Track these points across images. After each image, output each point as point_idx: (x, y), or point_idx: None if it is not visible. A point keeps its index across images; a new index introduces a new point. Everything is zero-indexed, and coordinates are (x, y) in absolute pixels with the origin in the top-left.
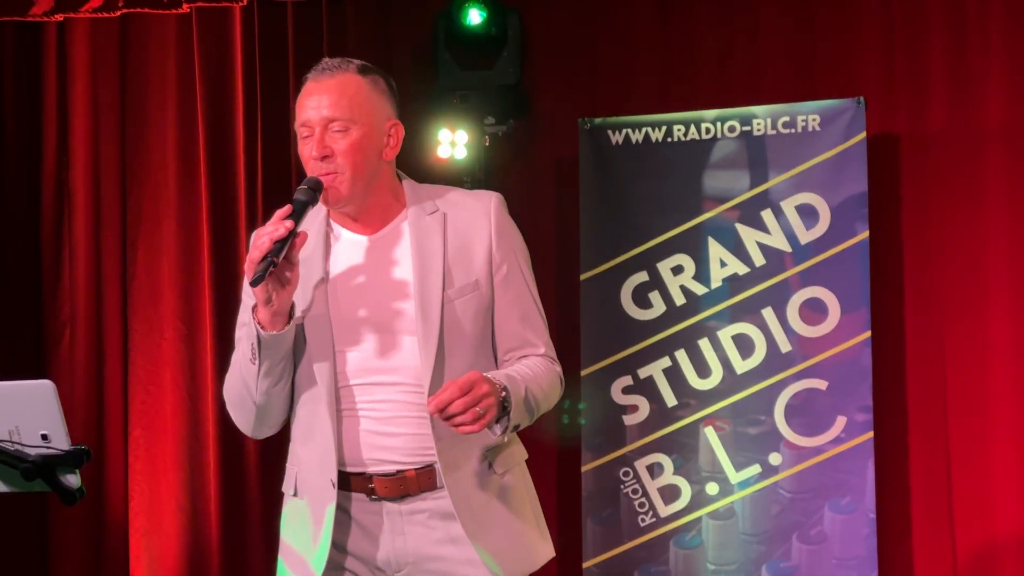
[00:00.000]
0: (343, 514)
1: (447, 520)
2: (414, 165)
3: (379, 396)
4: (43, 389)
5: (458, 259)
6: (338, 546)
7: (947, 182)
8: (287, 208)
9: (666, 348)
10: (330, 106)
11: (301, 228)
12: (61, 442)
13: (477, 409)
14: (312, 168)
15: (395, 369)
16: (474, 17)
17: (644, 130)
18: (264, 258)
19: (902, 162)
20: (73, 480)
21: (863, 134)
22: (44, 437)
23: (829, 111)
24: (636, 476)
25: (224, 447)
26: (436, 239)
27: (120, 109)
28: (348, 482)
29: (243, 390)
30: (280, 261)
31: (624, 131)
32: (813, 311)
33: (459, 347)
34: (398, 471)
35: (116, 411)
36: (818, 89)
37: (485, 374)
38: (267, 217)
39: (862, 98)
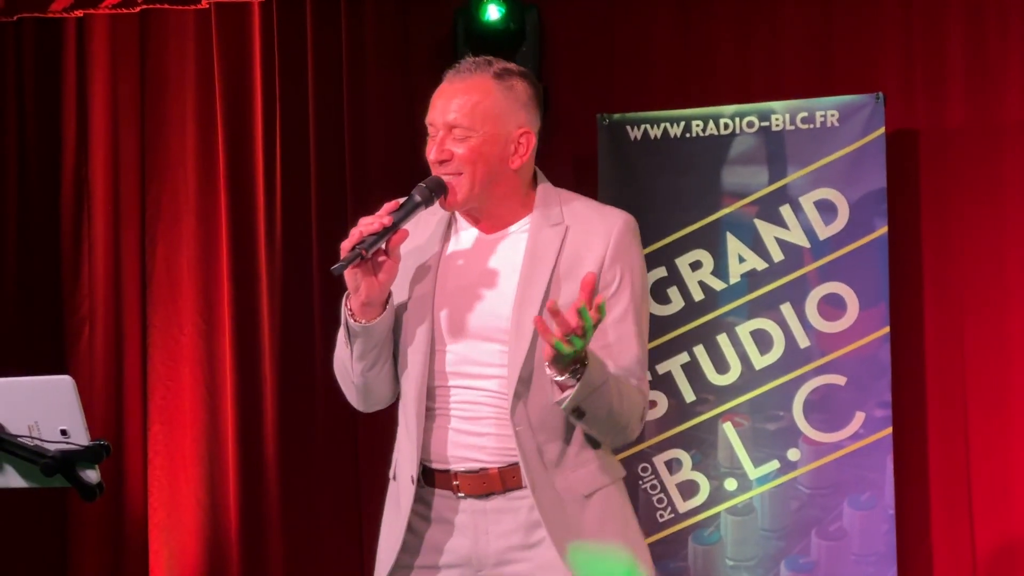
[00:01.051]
0: (427, 510)
1: (531, 521)
2: None
3: (467, 397)
4: (63, 384)
5: (568, 276)
6: (420, 538)
7: (966, 177)
8: (396, 203)
9: (684, 343)
10: (455, 110)
11: (418, 214)
12: (80, 437)
13: (571, 334)
14: (433, 170)
15: (487, 376)
16: (493, 13)
17: (663, 125)
18: (352, 248)
19: (921, 157)
20: (92, 475)
21: (882, 129)
22: (63, 432)
23: (848, 106)
24: (654, 472)
25: (243, 442)
26: (550, 251)
27: (139, 105)
28: (434, 479)
29: (344, 370)
30: (369, 254)
31: (643, 127)
32: (832, 307)
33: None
34: (482, 468)
35: (135, 406)
36: (837, 84)
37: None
38: (286, 213)
39: (881, 93)
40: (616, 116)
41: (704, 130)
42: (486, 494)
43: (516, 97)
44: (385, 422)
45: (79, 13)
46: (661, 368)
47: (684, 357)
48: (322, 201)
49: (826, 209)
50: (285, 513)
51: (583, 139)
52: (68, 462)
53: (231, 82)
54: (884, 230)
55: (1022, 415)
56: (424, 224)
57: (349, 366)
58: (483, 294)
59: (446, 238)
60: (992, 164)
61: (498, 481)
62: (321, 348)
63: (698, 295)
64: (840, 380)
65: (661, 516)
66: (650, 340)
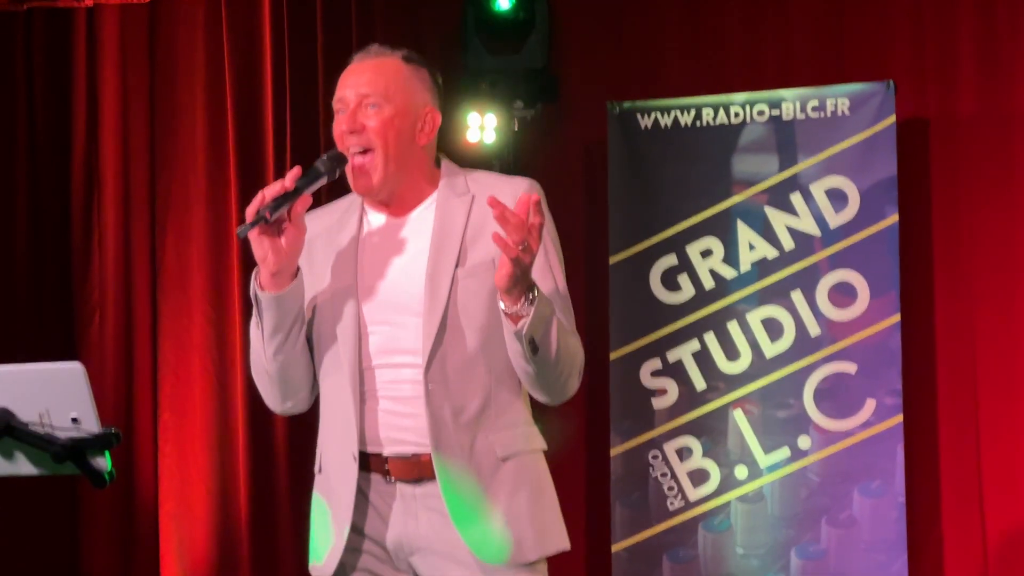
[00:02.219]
0: (360, 495)
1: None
2: (443, 149)
3: (396, 377)
4: (73, 372)
5: (477, 238)
6: (355, 527)
7: (977, 166)
8: (298, 170)
9: (695, 331)
10: (366, 83)
11: (331, 212)
12: (91, 425)
13: (524, 240)
14: (343, 143)
15: (411, 351)
16: (503, 2)
17: (673, 114)
18: (257, 211)
19: (931, 146)
20: (103, 463)
21: (892, 118)
22: (74, 420)
23: (858, 95)
24: (665, 459)
25: (253, 430)
26: (459, 219)
27: (149, 94)
28: (367, 462)
29: (257, 360)
30: (272, 217)
31: (653, 115)
32: (842, 294)
33: (465, 327)
34: (414, 454)
35: (145, 394)
36: (847, 73)
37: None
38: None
39: (891, 82)
40: (626, 104)
41: (715, 118)
42: (417, 479)
43: (422, 78)
44: None
45: (89, 3)
46: (671, 356)
47: (695, 345)
48: (331, 190)
49: (837, 197)
50: (294, 501)
51: (593, 127)
52: (78, 449)
53: (241, 71)
54: (895, 218)
55: None
56: (335, 218)
57: (261, 351)
58: (400, 272)
59: (360, 225)
60: (1003, 152)
61: (429, 467)
62: None
63: (709, 283)
64: (851, 368)
65: (671, 504)
66: (661, 328)
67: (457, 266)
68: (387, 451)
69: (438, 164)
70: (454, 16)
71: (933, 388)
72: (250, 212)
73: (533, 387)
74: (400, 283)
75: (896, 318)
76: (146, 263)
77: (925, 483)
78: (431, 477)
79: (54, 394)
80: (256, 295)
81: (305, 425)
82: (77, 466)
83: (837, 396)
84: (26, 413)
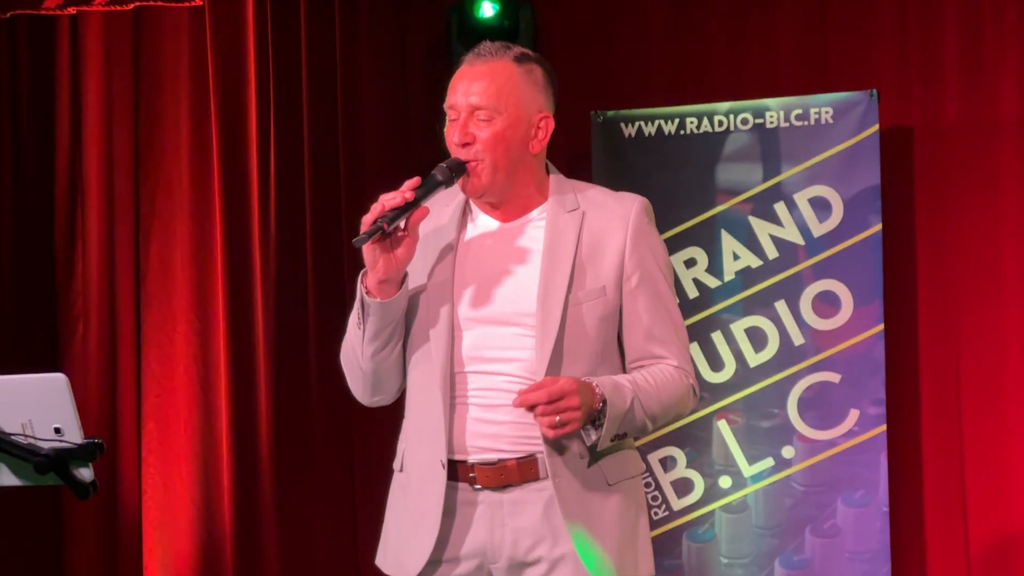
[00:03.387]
0: (451, 504)
1: (550, 514)
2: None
3: (487, 384)
4: (56, 382)
5: (589, 261)
6: (446, 537)
7: (961, 174)
8: (417, 180)
9: None
10: (478, 93)
11: (430, 204)
12: (74, 435)
13: (556, 419)
14: (454, 153)
15: (508, 359)
16: (487, 10)
17: (657, 123)
18: (374, 222)
19: (915, 155)
20: (86, 474)
21: (876, 127)
22: (57, 431)
23: (842, 104)
24: (649, 469)
25: (237, 440)
26: (570, 237)
27: (133, 102)
28: (453, 470)
29: (352, 356)
30: (390, 228)
31: (637, 124)
32: (826, 304)
33: (579, 351)
34: (499, 460)
35: (129, 404)
36: (831, 81)
37: (591, 380)
38: (280, 210)
39: (875, 91)
40: (610, 113)
41: (698, 127)
42: (503, 486)
43: (535, 80)
44: (381, 419)
45: (72, 10)
46: None
47: None
48: (316, 198)
49: (820, 206)
50: (279, 511)
51: (577, 136)
52: (62, 460)
53: (225, 79)
54: (878, 227)
55: (1016, 412)
56: (439, 213)
57: (359, 350)
58: (503, 280)
59: (462, 225)
60: (987, 161)
61: (516, 473)
62: (315, 345)
63: (692, 292)
64: (834, 378)
65: (656, 514)
66: None
67: (569, 290)
68: (472, 458)
69: (548, 170)
70: (438, 24)
71: (917, 398)
72: (367, 221)
73: None
74: (503, 292)
75: (880, 327)
76: (130, 272)
77: (909, 493)
78: (517, 483)
79: (37, 405)
80: (363, 300)
81: (289, 435)
82: (60, 477)
83: (821, 406)
84: (9, 424)
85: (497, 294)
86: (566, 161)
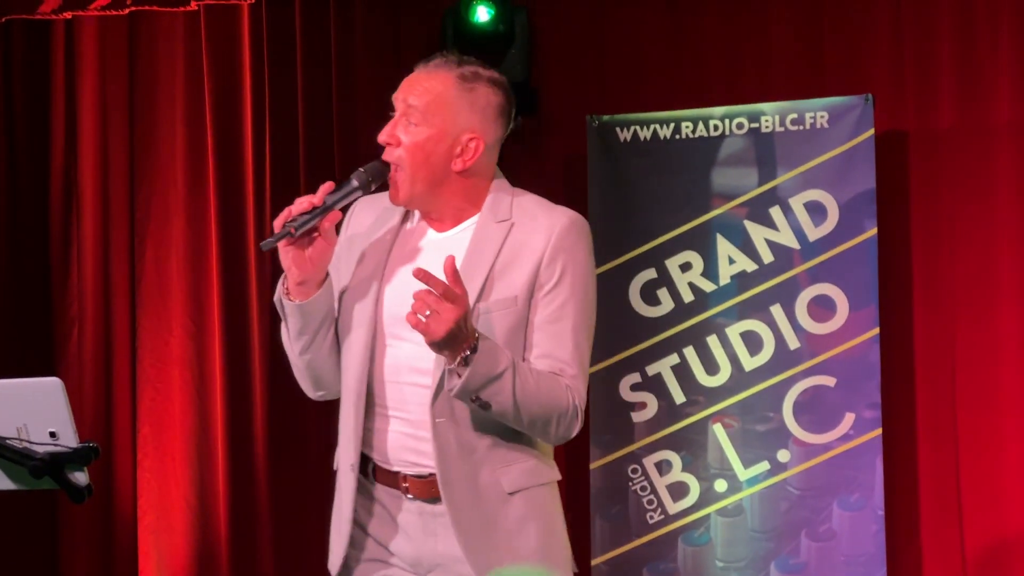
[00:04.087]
0: (383, 509)
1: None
2: None
3: (413, 397)
4: (51, 386)
5: (505, 271)
6: (377, 540)
7: (956, 179)
8: (330, 184)
9: (674, 345)
10: (415, 95)
11: (375, 207)
12: (69, 439)
13: (427, 310)
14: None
15: (427, 372)
16: (482, 14)
17: (652, 127)
18: (284, 225)
19: (911, 159)
20: (81, 478)
21: (871, 131)
22: (52, 435)
23: (837, 108)
24: (644, 473)
25: (233, 444)
26: (491, 248)
27: (128, 107)
28: (390, 479)
29: (287, 351)
30: (298, 233)
31: (632, 128)
32: (822, 308)
33: None
34: (430, 474)
35: (124, 408)
36: (826, 86)
37: (474, 327)
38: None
39: (870, 95)
40: (606, 117)
41: (694, 131)
42: (433, 499)
43: (473, 100)
44: None
45: (67, 15)
46: (651, 370)
47: (674, 359)
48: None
49: (816, 210)
50: (275, 515)
51: (573, 140)
52: (57, 464)
53: (220, 84)
54: (874, 231)
55: (1012, 416)
56: (386, 215)
57: (288, 347)
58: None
59: (398, 232)
60: (982, 165)
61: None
62: None
63: (688, 296)
64: (830, 381)
65: (651, 518)
66: (640, 342)
67: (479, 300)
68: (404, 470)
69: (495, 177)
70: (433, 28)
71: (912, 401)
72: (277, 225)
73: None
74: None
75: (875, 331)
76: (125, 276)
77: (904, 496)
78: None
79: (32, 409)
80: (280, 301)
81: (284, 439)
82: (55, 481)
83: (816, 409)
84: (4, 428)
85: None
86: (561, 165)
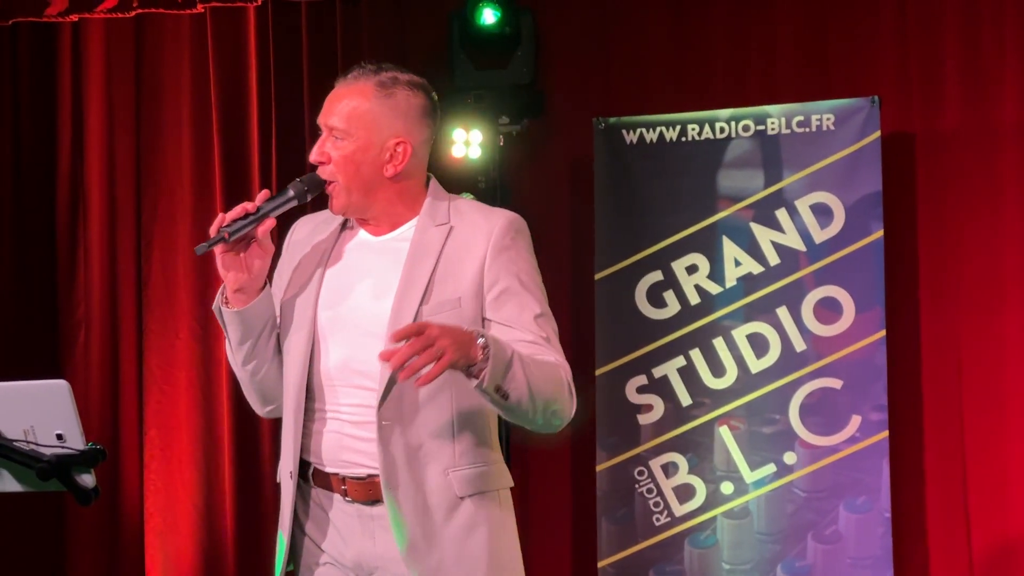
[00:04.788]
0: (322, 512)
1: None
2: (428, 166)
3: (352, 399)
4: (58, 389)
5: (447, 275)
6: (317, 543)
7: (962, 181)
8: (266, 192)
9: (681, 347)
10: (335, 113)
11: (315, 221)
12: (76, 442)
13: (433, 349)
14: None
15: (367, 373)
16: (488, 17)
17: (658, 129)
18: (219, 230)
19: (917, 161)
20: (88, 480)
21: (877, 133)
22: (59, 437)
23: (843, 110)
24: (651, 475)
25: (239, 446)
26: (431, 251)
27: (135, 109)
28: (327, 481)
29: (231, 364)
30: (232, 238)
31: (638, 130)
32: (828, 310)
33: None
34: (368, 475)
35: (131, 411)
36: (832, 88)
37: (468, 328)
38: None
39: (876, 97)
40: (612, 120)
41: (700, 134)
42: (373, 501)
43: (394, 106)
44: None
45: (74, 17)
46: (657, 372)
47: (680, 361)
48: (317, 205)
49: (822, 213)
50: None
51: (579, 143)
52: (64, 466)
53: (226, 86)
54: (880, 234)
55: (1018, 418)
56: (323, 225)
57: (232, 359)
58: (365, 295)
59: (337, 238)
60: (988, 167)
61: (383, 489)
62: None
63: (694, 299)
64: (836, 384)
65: (657, 520)
66: (646, 344)
67: (423, 303)
68: (343, 472)
69: (428, 186)
70: (440, 31)
71: (919, 404)
72: (212, 230)
73: (522, 424)
74: (364, 305)
75: (881, 334)
76: (132, 279)
77: (911, 498)
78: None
79: (39, 411)
80: (218, 309)
81: None
82: (62, 483)
83: (822, 412)
84: (11, 430)
85: (358, 309)
86: (568, 167)
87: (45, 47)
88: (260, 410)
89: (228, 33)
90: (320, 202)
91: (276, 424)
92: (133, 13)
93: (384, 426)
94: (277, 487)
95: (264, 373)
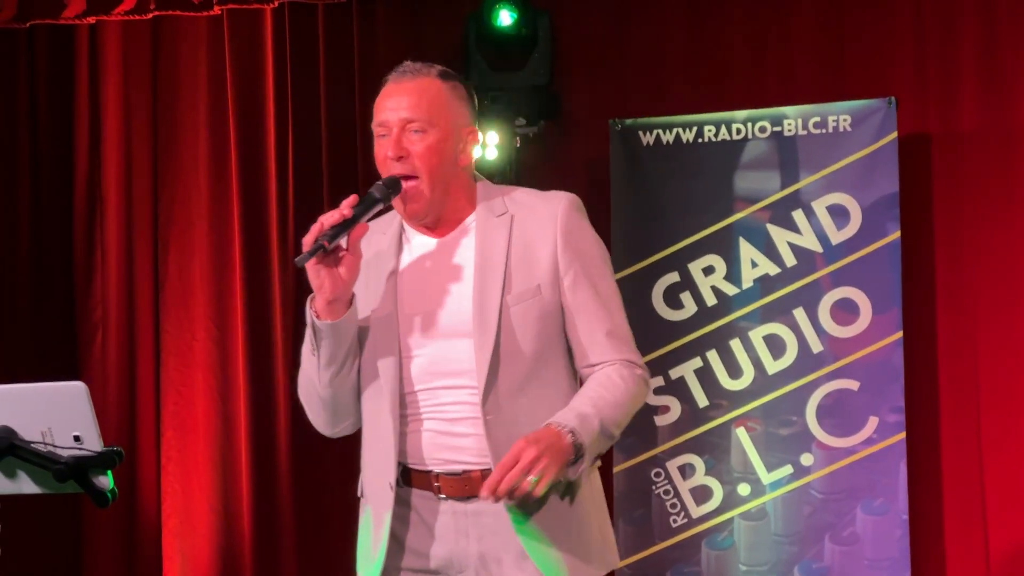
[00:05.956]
0: (408, 511)
1: (509, 526)
2: None
3: (446, 399)
4: (75, 390)
5: (521, 263)
6: (401, 543)
7: (979, 182)
8: (354, 198)
9: (697, 348)
10: (409, 107)
11: (371, 232)
12: (93, 443)
13: (531, 477)
14: (387, 168)
15: (459, 372)
16: (505, 18)
17: (675, 131)
18: (315, 241)
19: (934, 162)
20: (105, 481)
21: (894, 134)
22: (76, 438)
23: (860, 111)
24: (668, 477)
25: (256, 448)
26: (500, 242)
27: (152, 111)
28: (422, 480)
29: (308, 384)
30: (331, 247)
31: (655, 132)
32: (844, 311)
33: (517, 353)
34: (464, 471)
35: (148, 412)
36: (849, 89)
37: (550, 422)
38: (298, 218)
39: (893, 98)
40: (628, 121)
41: (716, 135)
42: (467, 496)
43: (460, 95)
44: None
45: (91, 20)
46: (674, 373)
47: (697, 362)
48: (334, 206)
49: (839, 214)
50: (298, 519)
51: (595, 144)
52: (81, 468)
53: (243, 88)
54: (897, 235)
55: None
56: (377, 241)
57: (316, 377)
58: (443, 294)
59: (399, 250)
60: (1005, 168)
61: (480, 484)
62: None
63: (711, 300)
64: (853, 385)
65: (674, 521)
66: (663, 345)
67: (504, 293)
68: (437, 469)
69: (476, 178)
70: (456, 32)
71: (936, 405)
72: (307, 241)
73: None
74: (446, 306)
75: (898, 335)
76: (149, 281)
77: (928, 500)
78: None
79: (57, 413)
80: (313, 323)
81: (309, 443)
82: (80, 485)
83: (839, 413)
84: (29, 432)
85: (438, 310)
86: (584, 169)
87: (62, 49)
88: (329, 430)
89: (245, 35)
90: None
91: (293, 424)
92: (150, 15)
93: (488, 421)
94: (299, 490)
95: (345, 390)
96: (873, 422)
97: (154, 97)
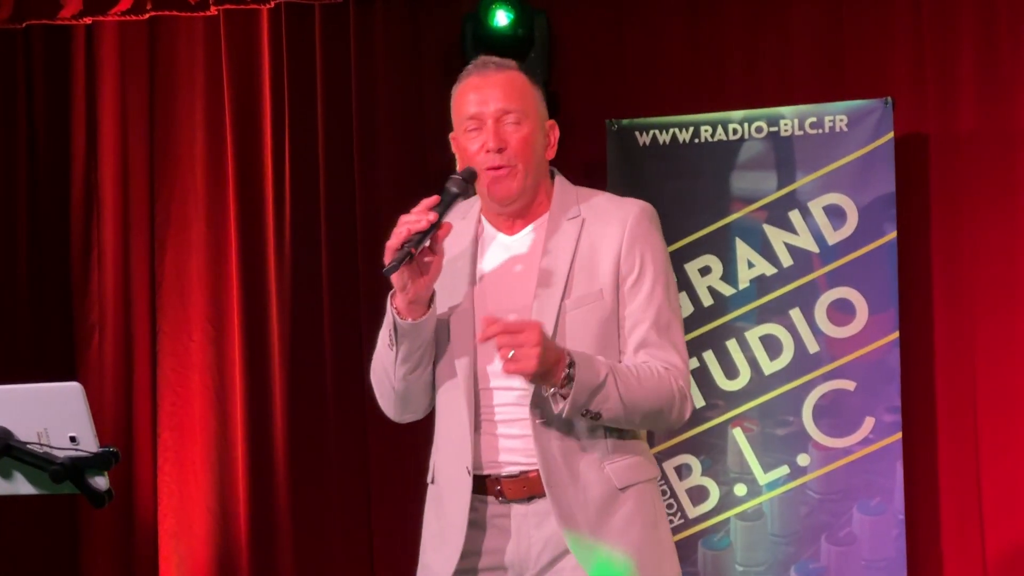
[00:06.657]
0: (473, 514)
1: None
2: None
3: (502, 399)
4: (72, 391)
5: (585, 267)
6: (470, 546)
7: (976, 182)
8: (435, 198)
9: (694, 349)
10: (504, 98)
11: (448, 219)
12: (89, 444)
13: (519, 350)
14: (483, 160)
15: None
16: (501, 19)
17: (671, 131)
18: (401, 247)
19: (930, 162)
20: (102, 482)
21: (891, 134)
22: (72, 439)
23: (857, 111)
24: (664, 477)
25: (253, 449)
26: (567, 245)
27: (148, 111)
28: (481, 485)
29: (383, 376)
30: (417, 251)
31: (651, 132)
32: (841, 312)
33: None
34: (521, 472)
35: (145, 413)
36: (846, 89)
37: (558, 344)
38: (295, 219)
39: (890, 98)
40: (625, 121)
41: (713, 135)
42: (528, 497)
43: (540, 90)
44: (396, 429)
45: (88, 20)
46: None
47: (693, 363)
48: (331, 206)
49: (835, 214)
50: (295, 520)
51: (592, 144)
52: (77, 469)
53: (240, 88)
54: (893, 235)
55: None
56: (453, 234)
57: (391, 371)
58: (509, 296)
59: (476, 244)
60: (1002, 168)
61: (539, 484)
62: (331, 353)
63: (707, 300)
64: (849, 385)
65: (671, 522)
66: None
67: (563, 297)
68: (497, 472)
69: (553, 176)
70: (453, 32)
71: (932, 405)
72: (392, 247)
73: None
74: (507, 306)
75: (895, 335)
76: (145, 281)
77: (925, 500)
78: (541, 494)
79: (53, 413)
80: (396, 323)
81: (304, 444)
82: (76, 486)
83: (836, 413)
84: (25, 432)
85: (506, 308)
86: (581, 169)
87: (59, 50)
88: (398, 416)
89: (241, 34)
90: None
91: (289, 426)
92: (146, 15)
93: (538, 424)
94: (295, 491)
95: (419, 386)
96: (869, 422)
97: (151, 97)
